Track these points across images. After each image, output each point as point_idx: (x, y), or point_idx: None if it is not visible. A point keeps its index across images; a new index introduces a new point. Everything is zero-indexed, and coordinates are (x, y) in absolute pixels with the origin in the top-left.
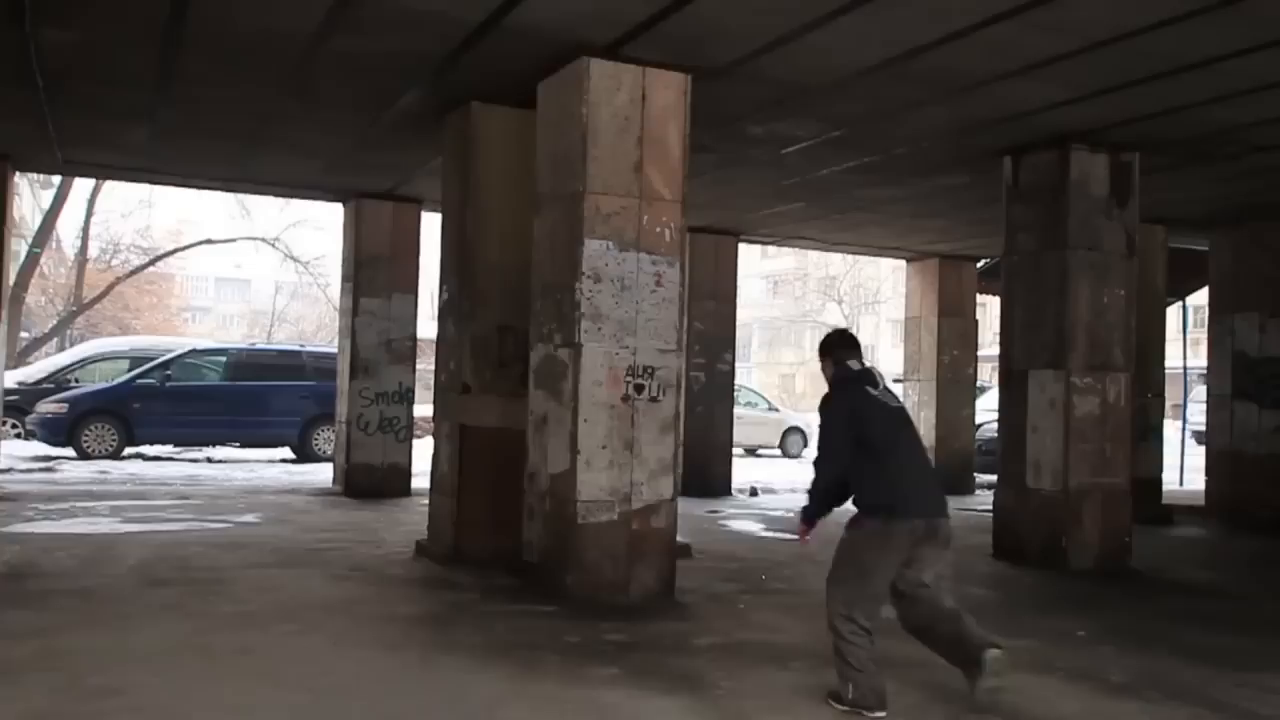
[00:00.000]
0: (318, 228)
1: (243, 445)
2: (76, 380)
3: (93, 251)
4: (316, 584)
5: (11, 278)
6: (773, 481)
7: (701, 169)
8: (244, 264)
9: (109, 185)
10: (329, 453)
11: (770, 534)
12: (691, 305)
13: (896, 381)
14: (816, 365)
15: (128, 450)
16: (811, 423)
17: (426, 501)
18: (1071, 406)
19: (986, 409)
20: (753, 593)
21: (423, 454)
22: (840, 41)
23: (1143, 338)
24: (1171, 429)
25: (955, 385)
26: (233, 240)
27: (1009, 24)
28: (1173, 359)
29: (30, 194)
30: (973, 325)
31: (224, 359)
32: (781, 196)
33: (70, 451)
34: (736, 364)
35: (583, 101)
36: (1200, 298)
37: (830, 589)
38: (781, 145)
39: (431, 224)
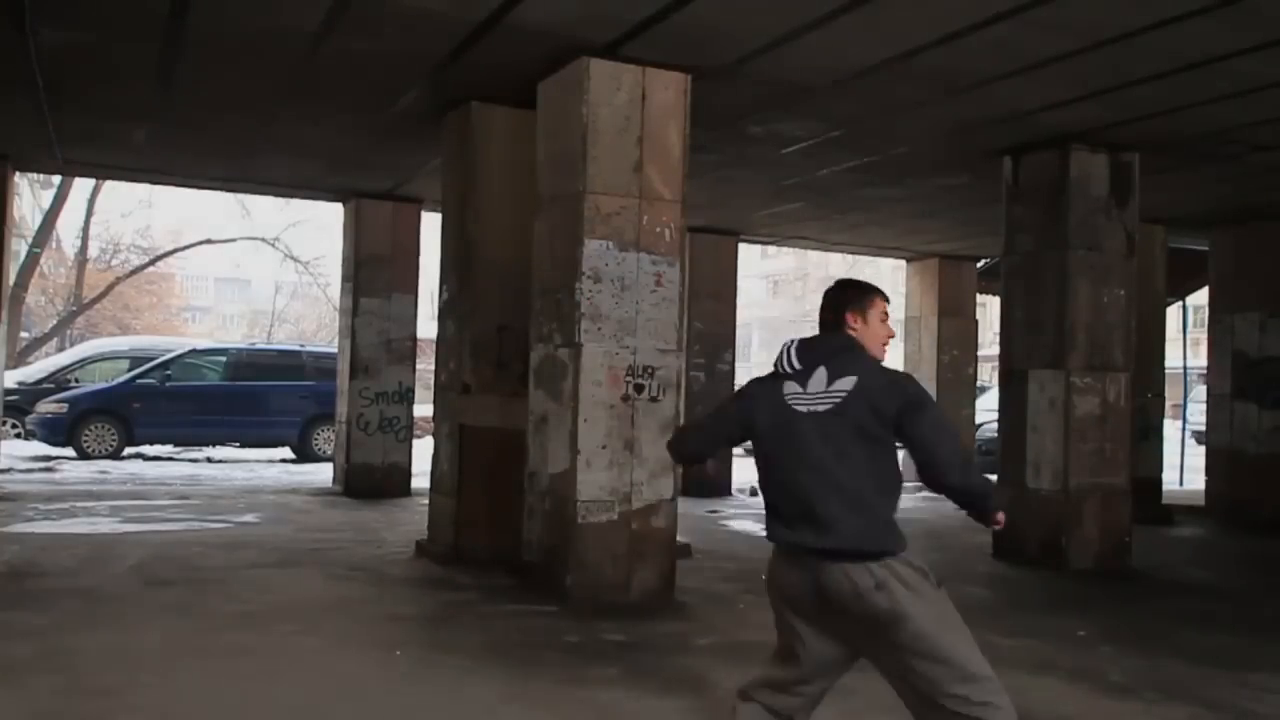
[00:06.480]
0: (318, 228)
1: (243, 445)
2: (76, 380)
3: (93, 251)
4: (316, 584)
5: (11, 278)
6: None
7: (701, 169)
8: (244, 264)
9: (109, 185)
10: (329, 453)
11: None
12: (691, 305)
13: None
14: None
15: (128, 450)
16: None
17: (426, 501)
18: (1071, 406)
19: (986, 409)
20: (753, 593)
21: (423, 454)
22: (840, 41)
23: (1143, 338)
24: (1171, 429)
25: (955, 385)
26: (233, 240)
27: (1009, 24)
28: (1173, 359)
29: (30, 194)
30: (973, 325)
31: (224, 359)
32: (781, 196)
33: (70, 451)
34: (736, 364)
35: (583, 101)
36: (1200, 298)
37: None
38: (781, 145)
39: (431, 224)
